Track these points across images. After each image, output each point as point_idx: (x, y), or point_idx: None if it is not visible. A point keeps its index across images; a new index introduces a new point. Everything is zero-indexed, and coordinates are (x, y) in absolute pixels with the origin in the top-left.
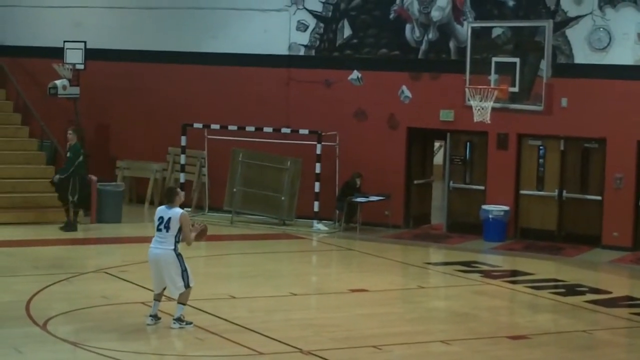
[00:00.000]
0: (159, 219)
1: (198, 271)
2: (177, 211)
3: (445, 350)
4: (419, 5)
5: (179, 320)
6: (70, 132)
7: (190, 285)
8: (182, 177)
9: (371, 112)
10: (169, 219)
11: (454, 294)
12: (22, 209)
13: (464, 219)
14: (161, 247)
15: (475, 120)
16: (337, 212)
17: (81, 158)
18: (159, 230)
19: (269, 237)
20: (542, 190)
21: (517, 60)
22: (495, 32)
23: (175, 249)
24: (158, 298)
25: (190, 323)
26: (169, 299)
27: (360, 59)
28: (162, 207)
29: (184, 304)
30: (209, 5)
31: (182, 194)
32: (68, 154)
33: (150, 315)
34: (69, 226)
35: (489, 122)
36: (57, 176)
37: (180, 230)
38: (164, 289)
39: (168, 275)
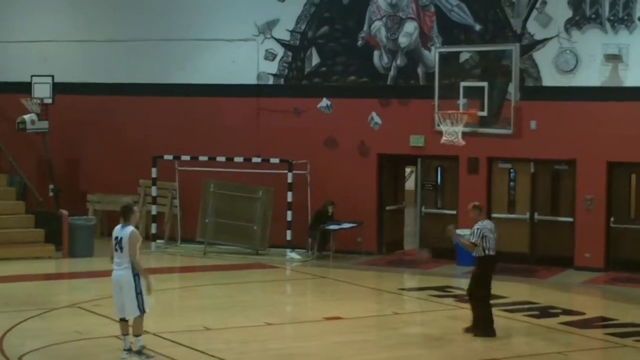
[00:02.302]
0: (114, 239)
1: (172, 303)
2: (129, 230)
3: None
4: (386, 31)
5: (139, 353)
6: None
7: (146, 310)
8: (153, 209)
9: (341, 139)
10: (121, 238)
11: (429, 319)
12: None
13: (436, 244)
14: (120, 268)
15: (442, 141)
16: (310, 240)
17: None
18: (115, 250)
19: (242, 267)
20: (513, 213)
21: (485, 84)
22: (463, 57)
23: (132, 269)
24: (126, 331)
25: (153, 356)
26: (146, 331)
27: (329, 87)
28: (118, 226)
29: (140, 335)
30: (176, 37)
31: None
32: None
33: (125, 350)
34: None
35: (463, 143)
36: None
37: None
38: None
39: (127, 297)
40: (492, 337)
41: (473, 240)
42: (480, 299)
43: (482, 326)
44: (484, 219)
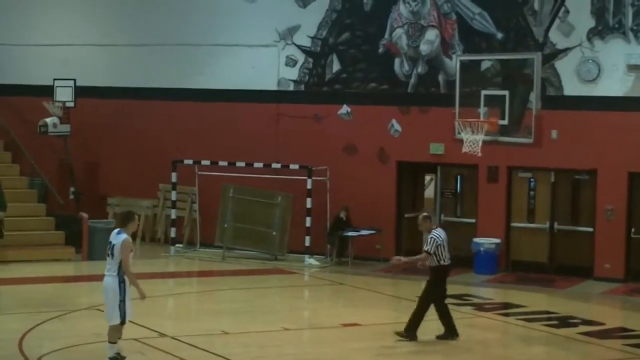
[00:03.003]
0: (108, 244)
1: (190, 307)
2: (122, 238)
3: None
4: (407, 39)
5: None
6: None
7: (127, 320)
8: (173, 214)
9: (361, 146)
10: (114, 245)
11: None
12: (13, 247)
13: (455, 252)
14: (108, 274)
15: (463, 151)
16: (329, 246)
17: None
18: (107, 255)
19: (260, 272)
20: (533, 222)
21: (506, 92)
22: (484, 65)
23: (118, 275)
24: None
25: None
26: (161, 334)
27: (350, 94)
28: (114, 231)
29: (115, 342)
30: (197, 42)
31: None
32: None
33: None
34: None
35: (479, 154)
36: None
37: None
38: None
39: (109, 304)
40: (415, 341)
41: (426, 249)
42: (422, 302)
43: (409, 326)
44: (436, 228)
